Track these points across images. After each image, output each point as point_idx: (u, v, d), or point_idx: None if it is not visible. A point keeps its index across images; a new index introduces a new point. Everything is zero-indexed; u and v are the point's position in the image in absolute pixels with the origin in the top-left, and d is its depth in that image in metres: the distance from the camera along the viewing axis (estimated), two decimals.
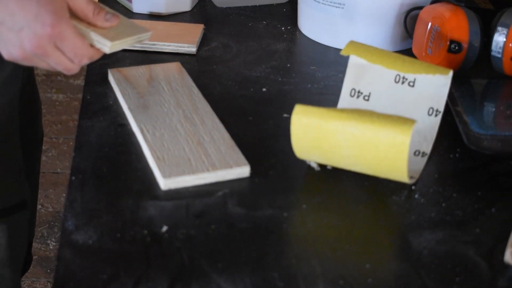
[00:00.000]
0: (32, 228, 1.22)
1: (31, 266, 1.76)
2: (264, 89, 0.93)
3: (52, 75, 2.50)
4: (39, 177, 1.22)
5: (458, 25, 0.92)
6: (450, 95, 0.86)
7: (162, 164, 0.75)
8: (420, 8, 0.99)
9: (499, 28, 0.91)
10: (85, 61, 0.76)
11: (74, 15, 0.76)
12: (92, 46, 0.77)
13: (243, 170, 0.75)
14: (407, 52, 0.98)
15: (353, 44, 0.84)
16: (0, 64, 0.95)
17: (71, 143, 2.17)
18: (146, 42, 0.99)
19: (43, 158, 2.09)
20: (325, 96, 0.92)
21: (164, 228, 0.68)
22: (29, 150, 1.12)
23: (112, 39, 0.77)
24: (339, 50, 1.02)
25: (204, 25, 1.07)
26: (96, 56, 0.77)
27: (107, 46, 0.76)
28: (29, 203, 1.11)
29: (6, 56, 0.74)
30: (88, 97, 0.88)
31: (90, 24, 0.77)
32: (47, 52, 0.73)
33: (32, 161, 1.15)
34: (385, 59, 0.82)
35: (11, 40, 0.73)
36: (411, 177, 0.76)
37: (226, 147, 0.78)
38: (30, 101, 1.11)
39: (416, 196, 0.74)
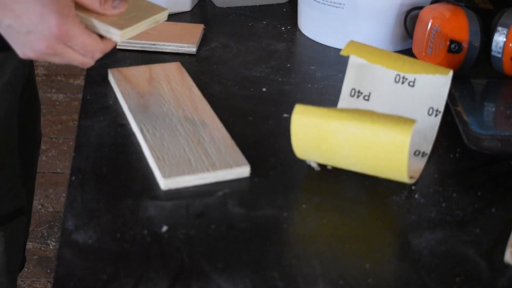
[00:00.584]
0: (27, 230, 1.21)
1: (31, 266, 1.76)
2: (264, 89, 0.93)
3: (52, 75, 2.50)
4: (35, 180, 1.22)
5: (458, 25, 0.92)
6: (450, 95, 0.86)
7: (162, 164, 0.74)
8: (420, 8, 0.99)
9: (499, 28, 0.91)
10: (98, 56, 0.75)
11: (81, 7, 0.75)
12: (102, 38, 0.75)
13: (243, 170, 0.75)
14: (407, 52, 0.98)
15: (353, 44, 0.84)
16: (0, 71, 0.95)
17: (71, 143, 2.17)
18: (148, 44, 0.99)
19: (43, 158, 2.09)
20: (325, 96, 0.92)
21: (164, 228, 0.68)
22: (27, 154, 1.11)
23: (121, 27, 0.75)
24: (339, 50, 1.02)
25: (204, 25, 1.07)
26: (108, 48, 0.76)
27: (117, 35, 0.74)
28: (26, 208, 1.10)
29: (21, 55, 0.75)
30: (88, 97, 0.88)
31: (99, 14, 0.75)
32: (57, 51, 0.73)
33: (29, 165, 1.14)
34: (385, 59, 0.82)
35: (21, 42, 0.73)
36: (411, 177, 0.76)
37: (226, 147, 0.78)
38: (29, 104, 1.11)
39: (416, 196, 0.74)
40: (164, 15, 0.79)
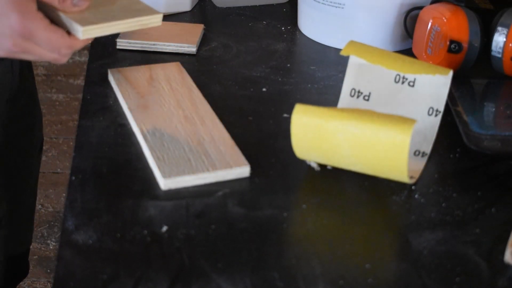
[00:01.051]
0: (30, 234, 1.20)
1: (31, 266, 1.76)
2: (264, 89, 0.93)
3: (52, 75, 2.50)
4: (37, 184, 1.20)
5: (458, 25, 0.92)
6: (450, 95, 0.86)
7: (162, 164, 0.74)
8: (420, 8, 0.99)
9: (499, 28, 0.91)
10: (66, 51, 0.74)
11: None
12: (69, 33, 0.74)
13: (243, 170, 0.75)
14: (407, 52, 0.98)
15: (353, 44, 0.84)
16: None
17: (71, 143, 2.17)
18: (148, 44, 0.99)
19: (43, 158, 2.09)
20: (325, 96, 0.92)
21: (164, 228, 0.68)
22: (16, 162, 1.09)
23: (85, 23, 0.71)
24: (339, 50, 1.02)
25: (204, 25, 1.07)
26: (77, 44, 0.74)
27: (79, 32, 0.72)
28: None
29: None
30: (88, 97, 0.88)
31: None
32: (25, 49, 0.72)
33: (22, 173, 1.12)
34: (385, 59, 0.82)
35: None
36: (411, 177, 0.76)
37: (226, 147, 0.78)
38: (24, 112, 1.08)
39: (416, 196, 0.74)
40: (155, 19, 0.76)
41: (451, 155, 0.81)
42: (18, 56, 0.74)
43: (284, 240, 0.68)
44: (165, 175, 0.73)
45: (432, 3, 0.97)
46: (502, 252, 0.67)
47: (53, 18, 0.74)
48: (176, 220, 0.69)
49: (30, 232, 1.20)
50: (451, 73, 0.81)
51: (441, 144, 0.82)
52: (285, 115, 0.86)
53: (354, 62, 0.84)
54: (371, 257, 0.67)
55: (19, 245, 1.17)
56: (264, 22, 1.12)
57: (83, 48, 2.69)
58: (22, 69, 1.05)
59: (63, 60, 0.75)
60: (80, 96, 2.09)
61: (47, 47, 0.73)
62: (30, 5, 0.71)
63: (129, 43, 1.00)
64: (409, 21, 1.01)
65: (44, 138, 2.17)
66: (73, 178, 0.74)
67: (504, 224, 0.71)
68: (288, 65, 0.99)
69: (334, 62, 1.00)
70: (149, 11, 0.78)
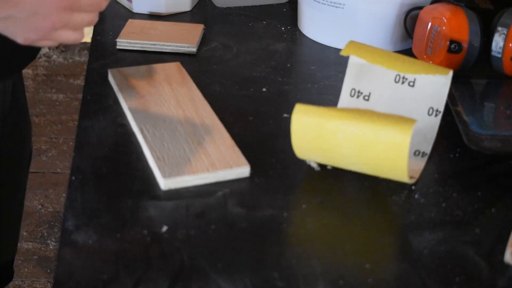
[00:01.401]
0: (15, 244, 1.20)
1: (31, 266, 1.76)
2: (264, 89, 0.93)
3: (52, 75, 2.50)
4: (25, 195, 1.19)
5: (458, 25, 0.92)
6: (450, 95, 0.86)
7: (162, 164, 0.75)
8: (420, 8, 0.99)
9: (499, 28, 0.91)
10: (105, 4, 0.75)
11: None
12: None
13: (243, 170, 0.75)
14: (407, 52, 0.98)
15: (353, 44, 0.84)
16: None
17: (71, 143, 2.17)
18: (148, 44, 0.99)
19: (43, 158, 2.09)
20: (325, 96, 0.92)
21: (164, 228, 0.68)
22: (5, 177, 1.08)
23: None
24: (339, 50, 1.02)
25: (204, 25, 1.07)
26: None
27: None
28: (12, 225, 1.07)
29: (23, 41, 0.74)
30: (88, 97, 0.88)
31: None
32: (66, 22, 0.72)
33: (15, 184, 1.12)
34: (385, 59, 0.82)
35: (23, 27, 0.72)
36: (411, 177, 0.76)
37: (226, 147, 0.78)
38: (15, 128, 1.07)
39: (416, 196, 0.74)
40: None
41: (451, 155, 0.81)
42: (49, 37, 0.74)
43: (284, 240, 0.68)
44: (165, 175, 0.73)
45: (432, 3, 0.97)
46: (502, 252, 0.67)
47: None
48: (176, 220, 0.69)
49: (15, 242, 1.20)
50: (451, 73, 0.81)
51: (441, 144, 0.82)
52: (285, 115, 0.86)
53: (354, 62, 0.84)
54: (371, 257, 0.67)
55: (4, 254, 1.17)
56: (264, 22, 1.12)
57: (83, 48, 2.69)
58: (14, 88, 1.04)
59: (96, 20, 0.76)
60: (80, 96, 2.09)
61: (89, 8, 0.74)
62: None
63: (129, 43, 1.00)
64: (409, 21, 1.01)
65: (44, 138, 2.18)
66: (73, 178, 0.74)
67: (504, 224, 0.71)
68: (288, 65, 0.99)
69: (334, 62, 1.00)
70: None
